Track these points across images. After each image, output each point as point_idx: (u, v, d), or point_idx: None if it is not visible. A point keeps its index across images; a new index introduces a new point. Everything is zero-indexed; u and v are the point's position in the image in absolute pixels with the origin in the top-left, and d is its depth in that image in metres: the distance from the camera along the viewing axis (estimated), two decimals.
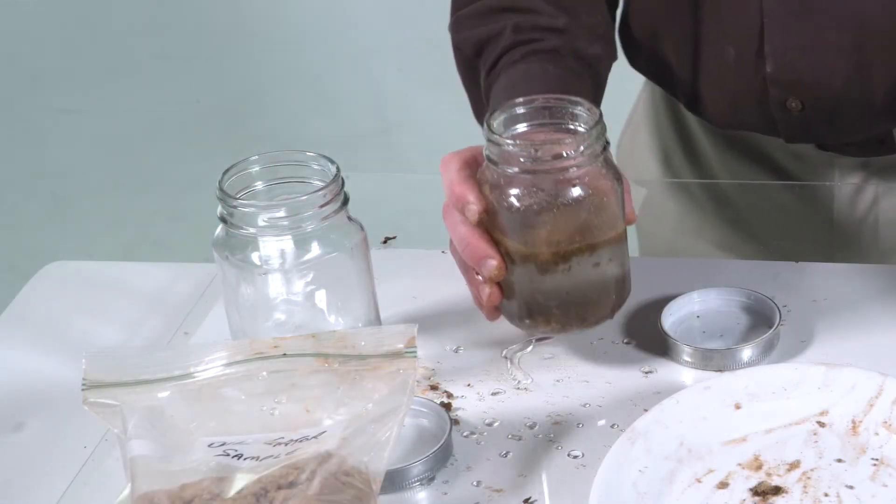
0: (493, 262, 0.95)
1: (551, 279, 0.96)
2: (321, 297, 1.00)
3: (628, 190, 0.98)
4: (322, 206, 0.97)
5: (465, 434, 0.97)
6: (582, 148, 0.94)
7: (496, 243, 0.96)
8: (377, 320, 1.03)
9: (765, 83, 1.12)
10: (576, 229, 0.95)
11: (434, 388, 1.02)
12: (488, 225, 0.96)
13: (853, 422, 0.93)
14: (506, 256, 0.96)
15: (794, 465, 0.91)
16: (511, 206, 0.94)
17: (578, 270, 0.96)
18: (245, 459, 0.86)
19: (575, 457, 0.95)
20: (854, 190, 1.19)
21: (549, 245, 0.95)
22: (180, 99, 3.02)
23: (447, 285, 1.12)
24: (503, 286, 0.97)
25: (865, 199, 1.20)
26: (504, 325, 1.07)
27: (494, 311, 1.00)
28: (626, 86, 1.35)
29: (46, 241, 2.73)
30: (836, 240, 1.22)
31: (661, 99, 1.28)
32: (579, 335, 1.03)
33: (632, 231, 1.31)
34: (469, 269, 0.98)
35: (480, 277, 0.97)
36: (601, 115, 0.96)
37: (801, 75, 1.11)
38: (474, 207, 0.94)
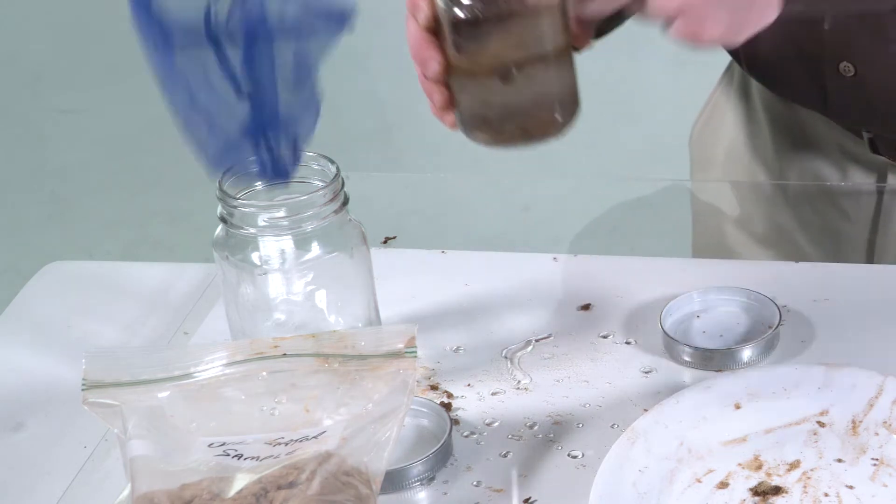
0: (435, 63, 0.96)
1: (493, 90, 0.96)
2: (321, 297, 1.00)
3: (582, 11, 0.97)
4: (322, 206, 0.97)
5: (465, 434, 0.97)
6: None
7: (444, 53, 0.96)
8: (377, 320, 1.03)
9: (822, 43, 1.12)
10: (517, 41, 0.94)
11: (434, 388, 1.02)
12: (438, 34, 0.96)
13: (853, 422, 0.93)
14: (452, 67, 0.96)
15: (794, 465, 0.91)
16: (453, 15, 0.95)
17: (519, 83, 0.95)
18: (245, 459, 0.86)
19: (575, 457, 0.95)
20: None
21: (490, 56, 0.95)
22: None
23: (447, 285, 1.12)
24: (454, 97, 0.97)
25: None
26: (504, 325, 1.07)
27: (450, 119, 0.99)
28: (702, 78, 1.35)
29: (46, 241, 2.73)
30: (880, 246, 1.21)
31: (737, 90, 1.30)
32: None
33: (686, 226, 1.32)
34: (423, 77, 0.98)
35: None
36: None
37: (855, 35, 1.10)
38: (423, 13, 0.95)
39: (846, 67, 1.12)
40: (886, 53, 1.10)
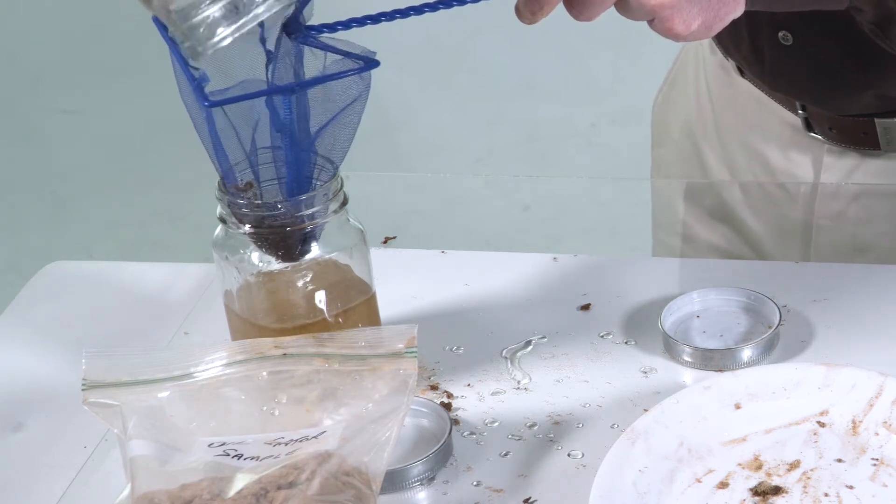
0: None
1: None
2: (321, 297, 1.00)
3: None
4: (322, 206, 0.97)
5: (465, 434, 0.97)
6: None
7: None
8: (377, 320, 1.03)
9: (763, 12, 1.14)
10: None
11: (434, 388, 1.02)
12: None
13: (853, 422, 0.93)
14: None
15: (794, 465, 0.91)
16: None
17: None
18: (245, 459, 0.86)
19: (575, 457, 0.95)
20: (834, 188, 1.21)
21: None
22: (180, 99, 3.02)
23: (447, 285, 1.12)
24: None
25: (845, 196, 1.21)
26: (504, 325, 1.07)
27: None
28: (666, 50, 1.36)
29: (46, 241, 2.73)
30: (812, 237, 1.23)
31: (693, 66, 1.32)
32: None
33: (646, 229, 1.33)
34: None
35: None
36: None
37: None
38: None
39: (784, 36, 1.15)
40: (823, 27, 1.12)
